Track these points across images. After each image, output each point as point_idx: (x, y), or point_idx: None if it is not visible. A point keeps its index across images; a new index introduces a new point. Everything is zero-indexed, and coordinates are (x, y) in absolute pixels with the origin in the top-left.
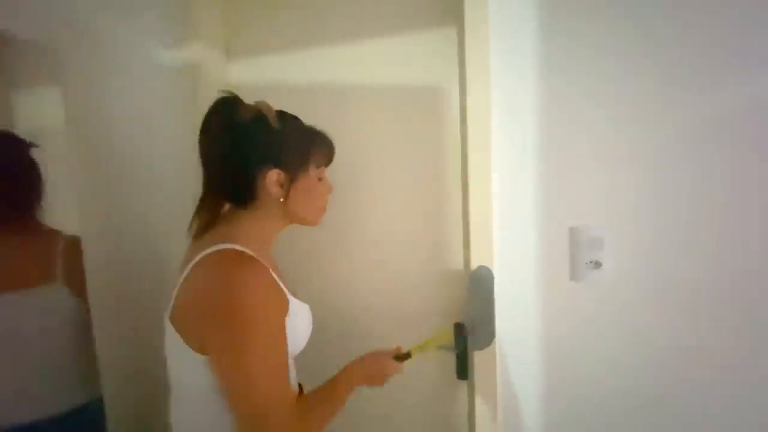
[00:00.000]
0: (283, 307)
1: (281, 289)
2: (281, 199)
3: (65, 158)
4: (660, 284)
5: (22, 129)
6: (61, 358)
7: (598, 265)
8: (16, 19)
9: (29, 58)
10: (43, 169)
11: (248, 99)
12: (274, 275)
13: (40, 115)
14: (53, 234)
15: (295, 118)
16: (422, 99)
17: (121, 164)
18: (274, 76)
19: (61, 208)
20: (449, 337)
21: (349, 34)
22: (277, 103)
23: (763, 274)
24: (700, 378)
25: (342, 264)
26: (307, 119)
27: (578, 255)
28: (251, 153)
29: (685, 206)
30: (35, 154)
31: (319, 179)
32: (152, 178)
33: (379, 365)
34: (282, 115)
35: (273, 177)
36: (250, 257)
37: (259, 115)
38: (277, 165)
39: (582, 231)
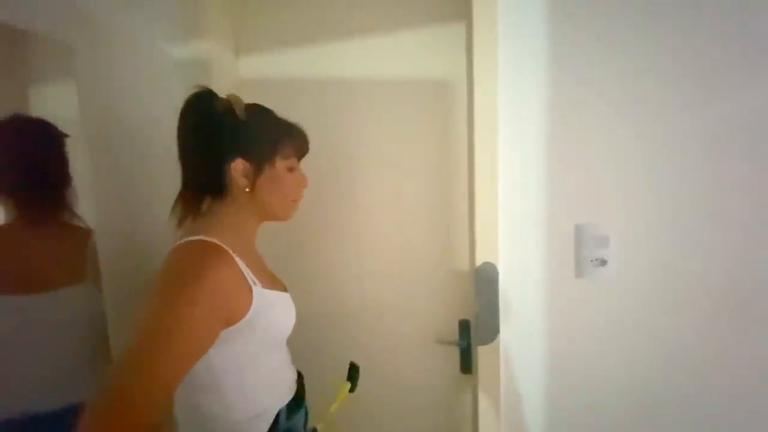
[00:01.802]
0: (236, 304)
1: (243, 284)
2: (247, 190)
3: (78, 152)
4: (664, 282)
5: None
6: (83, 350)
7: (603, 262)
8: (30, 15)
9: (43, 53)
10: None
11: (258, 93)
12: (245, 269)
13: (53, 110)
14: (85, 232)
15: (267, 111)
16: (430, 95)
17: (132, 157)
18: (284, 71)
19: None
20: (345, 391)
21: (358, 29)
22: (286, 97)
23: (766, 271)
24: (702, 374)
25: (348, 259)
26: (316, 114)
27: (583, 252)
28: (217, 144)
29: (690, 205)
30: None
31: (290, 171)
32: (164, 170)
33: None
34: (252, 107)
35: (238, 167)
36: (217, 247)
37: (227, 108)
38: (242, 155)
39: (587, 229)
